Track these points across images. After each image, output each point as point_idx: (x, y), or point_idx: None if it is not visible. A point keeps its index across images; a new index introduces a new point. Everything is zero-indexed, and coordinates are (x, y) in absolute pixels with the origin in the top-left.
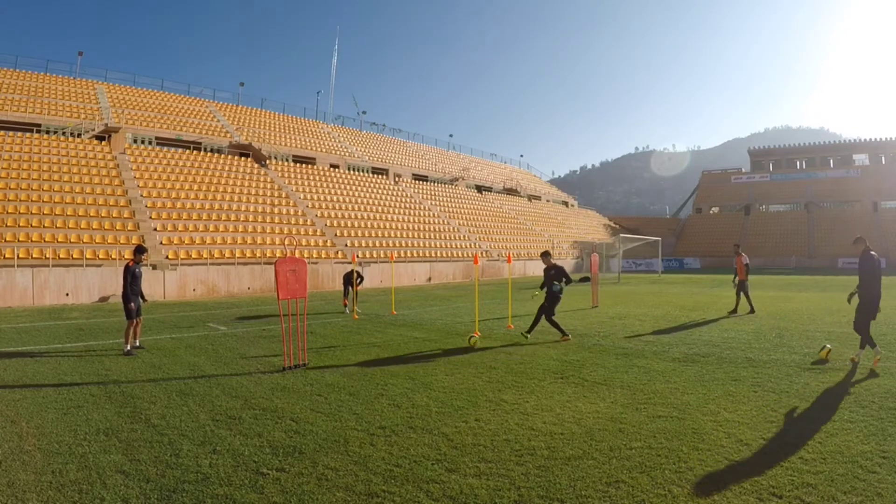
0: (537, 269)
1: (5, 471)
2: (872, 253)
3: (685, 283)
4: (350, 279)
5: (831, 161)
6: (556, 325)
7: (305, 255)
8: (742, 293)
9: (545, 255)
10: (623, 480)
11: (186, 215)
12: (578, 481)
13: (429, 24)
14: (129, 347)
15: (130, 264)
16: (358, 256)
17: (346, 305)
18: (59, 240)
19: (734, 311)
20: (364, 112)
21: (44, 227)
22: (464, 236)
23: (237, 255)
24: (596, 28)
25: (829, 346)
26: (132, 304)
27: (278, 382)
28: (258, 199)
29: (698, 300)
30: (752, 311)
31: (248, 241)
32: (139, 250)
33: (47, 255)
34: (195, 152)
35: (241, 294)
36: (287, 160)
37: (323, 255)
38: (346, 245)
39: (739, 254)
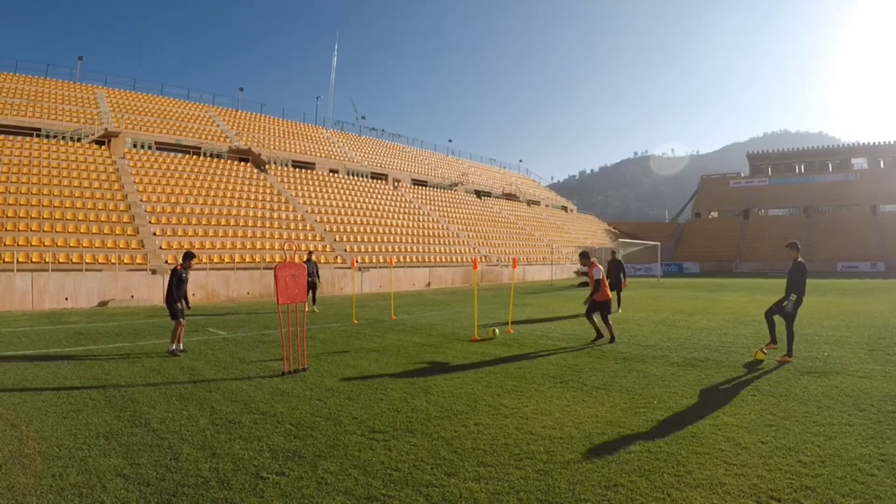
0: (536, 274)
1: (5, 474)
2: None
3: (684, 288)
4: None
5: (830, 165)
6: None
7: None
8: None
9: None
10: (622, 484)
11: (186, 220)
12: (577, 485)
13: (428, 29)
14: (174, 347)
15: (178, 268)
16: (357, 261)
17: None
18: (59, 244)
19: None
20: (363, 117)
21: (43, 231)
22: (463, 241)
23: (237, 260)
24: (595, 32)
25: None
26: (179, 305)
27: (278, 387)
28: (258, 204)
29: (697, 304)
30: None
31: (248, 246)
32: (189, 256)
33: (47, 260)
34: (195, 157)
35: (240, 299)
36: (286, 165)
37: (322, 260)
38: (346, 250)
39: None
